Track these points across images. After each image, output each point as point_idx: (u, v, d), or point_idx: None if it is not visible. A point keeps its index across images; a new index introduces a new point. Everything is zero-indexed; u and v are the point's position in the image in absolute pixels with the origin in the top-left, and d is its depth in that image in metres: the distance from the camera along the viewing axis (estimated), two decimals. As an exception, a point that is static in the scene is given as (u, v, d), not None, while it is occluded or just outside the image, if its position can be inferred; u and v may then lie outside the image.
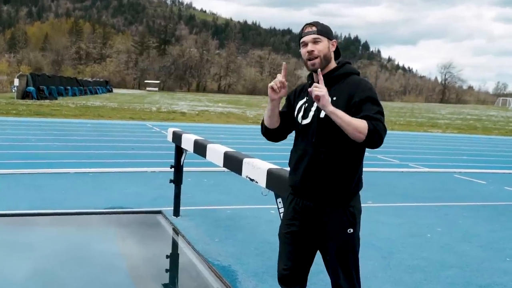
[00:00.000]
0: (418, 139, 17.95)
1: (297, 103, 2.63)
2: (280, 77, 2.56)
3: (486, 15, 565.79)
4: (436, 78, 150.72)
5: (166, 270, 4.46)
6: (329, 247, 2.52)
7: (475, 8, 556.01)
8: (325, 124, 2.45)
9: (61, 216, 5.56)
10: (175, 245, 5.06)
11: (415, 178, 9.38)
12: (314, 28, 2.51)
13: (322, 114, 2.45)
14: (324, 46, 2.50)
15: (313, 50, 2.49)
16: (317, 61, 2.50)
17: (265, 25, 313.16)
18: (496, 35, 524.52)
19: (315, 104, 2.50)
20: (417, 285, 4.05)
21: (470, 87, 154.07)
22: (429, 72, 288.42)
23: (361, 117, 2.35)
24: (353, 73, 2.55)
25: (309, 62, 2.52)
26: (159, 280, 4.21)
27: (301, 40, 2.55)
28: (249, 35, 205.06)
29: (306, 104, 2.56)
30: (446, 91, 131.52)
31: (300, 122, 2.57)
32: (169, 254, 4.88)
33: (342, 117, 2.34)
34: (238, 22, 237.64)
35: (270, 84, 2.56)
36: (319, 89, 2.36)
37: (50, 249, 4.63)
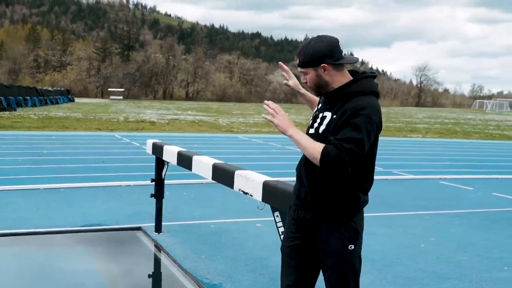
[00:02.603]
0: (398, 144, 17.93)
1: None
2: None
3: (460, 16, 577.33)
4: (411, 81, 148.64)
5: (153, 291, 4.20)
6: (329, 264, 2.39)
7: (449, 8, 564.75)
8: (323, 140, 2.31)
9: (33, 236, 5.24)
10: (159, 263, 4.80)
11: (400, 186, 9.34)
12: (298, 60, 2.42)
13: (321, 130, 2.34)
14: (311, 77, 2.39)
15: (305, 81, 2.45)
16: (312, 90, 2.48)
17: (233, 28, 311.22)
18: (470, 37, 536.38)
19: (320, 115, 2.40)
20: (417, 299, 3.92)
21: (446, 90, 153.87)
22: (404, 75, 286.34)
23: (329, 140, 2.25)
24: (364, 92, 2.32)
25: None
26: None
27: None
28: (216, 39, 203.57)
29: (316, 113, 2.48)
30: (422, 94, 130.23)
31: (307, 129, 2.47)
32: (153, 273, 4.62)
33: (298, 142, 2.32)
34: (205, 26, 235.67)
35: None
36: (275, 116, 2.35)
37: (22, 271, 4.32)
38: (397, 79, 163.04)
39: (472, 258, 5.02)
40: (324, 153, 2.20)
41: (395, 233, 5.88)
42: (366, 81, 2.37)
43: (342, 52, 2.38)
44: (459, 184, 9.57)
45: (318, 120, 2.39)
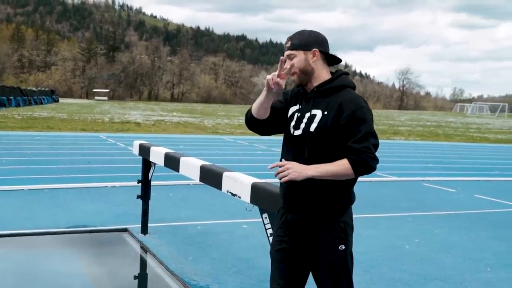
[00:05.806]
0: (382, 147, 17.86)
1: (290, 108, 2.50)
2: (276, 73, 2.36)
3: (441, 21, 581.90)
4: (393, 84, 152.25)
5: (139, 293, 4.19)
6: (320, 265, 2.40)
7: (431, 14, 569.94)
8: (316, 139, 2.33)
9: (17, 238, 5.19)
10: (145, 264, 4.80)
11: (384, 188, 9.42)
12: (289, 43, 2.41)
13: (312, 128, 2.34)
14: (299, 61, 2.38)
15: (287, 67, 2.40)
16: (294, 77, 2.41)
17: (218, 31, 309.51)
18: (452, 41, 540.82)
19: (306, 115, 2.39)
20: (402, 300, 3.97)
21: (428, 93, 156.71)
22: (387, 78, 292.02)
23: (345, 148, 2.28)
24: (349, 86, 2.41)
25: (291, 78, 2.43)
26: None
27: None
28: (202, 41, 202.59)
29: (298, 114, 2.44)
30: (404, 97, 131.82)
31: (292, 132, 2.44)
32: (139, 275, 4.60)
33: (325, 174, 2.27)
34: (191, 27, 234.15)
35: (267, 77, 2.38)
36: (289, 171, 2.26)
37: (6, 273, 4.27)
38: (380, 82, 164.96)
39: (455, 259, 5.08)
40: (355, 166, 2.26)
41: (380, 234, 5.93)
42: (345, 77, 2.44)
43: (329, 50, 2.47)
44: (442, 186, 9.68)
45: (305, 120, 2.39)
